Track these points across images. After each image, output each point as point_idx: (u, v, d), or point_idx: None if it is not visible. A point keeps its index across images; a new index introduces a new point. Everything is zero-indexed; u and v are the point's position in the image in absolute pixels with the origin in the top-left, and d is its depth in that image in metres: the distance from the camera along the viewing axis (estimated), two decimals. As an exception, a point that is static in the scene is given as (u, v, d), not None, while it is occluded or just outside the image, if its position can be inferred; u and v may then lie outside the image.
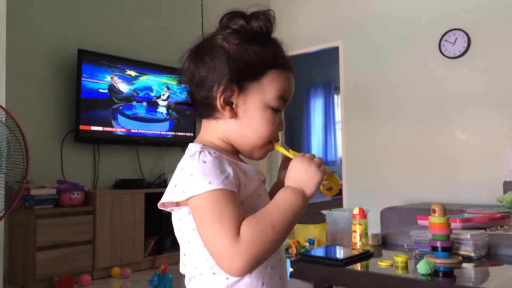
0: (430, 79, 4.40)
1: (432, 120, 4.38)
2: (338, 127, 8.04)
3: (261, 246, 0.72)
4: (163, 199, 0.81)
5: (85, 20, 3.91)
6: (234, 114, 0.85)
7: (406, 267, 1.70)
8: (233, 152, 0.88)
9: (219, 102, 0.83)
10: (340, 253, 1.97)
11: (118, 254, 3.64)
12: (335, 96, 8.25)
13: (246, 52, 0.84)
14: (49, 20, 3.70)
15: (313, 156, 0.84)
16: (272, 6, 5.06)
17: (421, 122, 4.45)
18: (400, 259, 1.72)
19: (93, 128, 3.82)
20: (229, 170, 0.78)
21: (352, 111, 4.98)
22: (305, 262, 1.82)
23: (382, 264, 1.74)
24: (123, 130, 4.02)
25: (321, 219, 5.04)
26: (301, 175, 0.80)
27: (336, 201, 6.41)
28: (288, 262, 1.87)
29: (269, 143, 0.88)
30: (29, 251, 3.22)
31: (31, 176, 3.37)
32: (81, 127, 3.73)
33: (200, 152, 0.79)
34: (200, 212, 0.75)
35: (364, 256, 1.89)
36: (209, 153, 0.79)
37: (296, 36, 5.48)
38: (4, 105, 2.29)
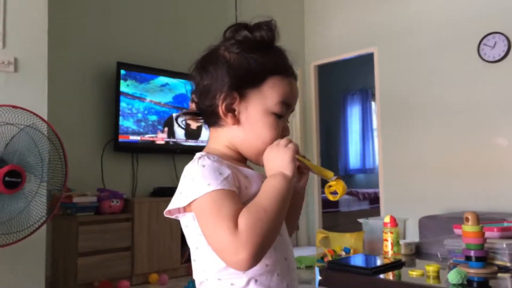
0: (468, 84, 4.28)
1: (470, 126, 4.26)
2: (376, 134, 7.91)
3: (260, 231, 0.73)
4: (169, 207, 0.84)
5: (123, 33, 4.06)
6: (237, 121, 0.88)
7: (437, 277, 1.67)
8: (239, 159, 0.90)
9: (221, 109, 0.87)
10: (370, 262, 1.95)
11: (155, 261, 3.72)
12: (372, 103, 8.14)
13: (246, 61, 0.87)
14: (89, 34, 3.85)
15: (279, 141, 0.86)
16: (306, 14, 5.12)
17: (459, 128, 4.33)
18: (431, 268, 1.69)
19: (132, 137, 3.94)
20: (228, 172, 0.81)
21: (389, 118, 4.91)
22: (333, 271, 1.82)
23: (412, 274, 1.71)
24: (161, 139, 4.13)
25: (357, 228, 4.99)
26: (273, 160, 0.84)
27: (374, 210, 6.31)
28: (317, 270, 1.87)
29: None
30: (71, 256, 3.35)
31: (74, 185, 3.53)
32: (120, 137, 3.86)
33: (200, 157, 0.83)
34: (202, 213, 0.78)
35: (395, 265, 1.87)
36: (208, 158, 0.82)
37: (330, 43, 5.47)
38: (46, 117, 2.41)
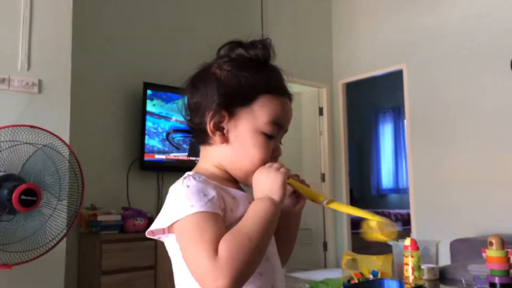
0: (503, 98, 4.12)
1: (507, 142, 4.07)
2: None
3: (241, 258, 0.71)
4: (152, 227, 0.82)
5: (149, 53, 4.13)
6: (225, 139, 0.86)
7: (459, 305, 1.58)
8: (228, 179, 0.88)
9: (209, 127, 0.85)
10: (388, 287, 1.86)
11: (179, 280, 3.70)
12: (405, 121, 7.96)
13: (237, 79, 0.86)
14: (115, 55, 3.95)
15: (272, 164, 0.83)
16: (334, 31, 5.10)
17: (494, 146, 4.15)
18: (452, 295, 1.60)
19: (157, 156, 3.98)
20: (213, 193, 0.79)
21: (419, 136, 4.77)
22: (349, 295, 1.74)
23: (432, 301, 1.62)
24: (186, 158, 4.15)
25: (389, 250, 4.82)
26: (263, 183, 0.81)
27: (407, 231, 6.10)
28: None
29: None
30: (95, 274, 3.38)
31: (100, 203, 3.59)
32: (146, 156, 3.91)
33: (185, 177, 0.81)
34: (183, 236, 0.76)
35: (415, 291, 1.77)
36: (194, 178, 0.80)
37: (358, 60, 5.42)
38: (68, 137, 2.46)
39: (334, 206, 0.85)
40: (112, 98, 3.91)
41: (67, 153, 2.05)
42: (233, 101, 0.85)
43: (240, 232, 0.73)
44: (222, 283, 0.69)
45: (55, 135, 1.96)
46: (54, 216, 1.99)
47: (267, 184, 0.80)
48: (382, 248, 5.08)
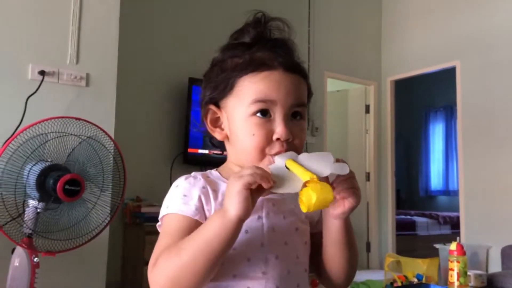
0: None
1: None
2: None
3: (167, 274, 0.69)
4: (158, 224, 0.83)
5: (195, 49, 4.17)
6: (225, 135, 0.83)
7: (506, 316, 1.48)
8: None
9: (208, 126, 0.84)
10: (431, 292, 1.78)
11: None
12: (457, 121, 7.65)
13: (215, 70, 0.83)
14: (160, 50, 4.01)
15: (245, 168, 0.69)
16: (383, 28, 4.97)
17: (554, 149, 3.90)
18: (499, 305, 1.50)
19: (200, 151, 4.02)
20: (195, 195, 0.76)
21: (472, 136, 4.56)
22: (388, 299, 1.68)
23: (477, 309, 1.53)
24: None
25: (433, 254, 4.65)
26: (226, 191, 0.69)
27: (455, 235, 5.86)
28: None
29: (268, 157, 0.76)
30: (138, 265, 3.46)
31: (145, 195, 3.67)
32: (190, 150, 3.96)
33: (181, 177, 0.81)
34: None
35: (459, 298, 1.69)
36: (187, 177, 0.80)
37: (409, 57, 5.24)
38: (113, 130, 2.53)
39: (311, 189, 0.66)
40: (158, 93, 3.98)
41: (111, 146, 2.10)
42: (217, 93, 0.81)
43: (178, 246, 0.70)
44: None
45: (99, 127, 2.01)
46: (97, 206, 2.05)
47: (227, 193, 0.69)
48: (427, 252, 4.93)
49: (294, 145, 0.77)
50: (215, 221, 0.69)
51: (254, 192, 0.67)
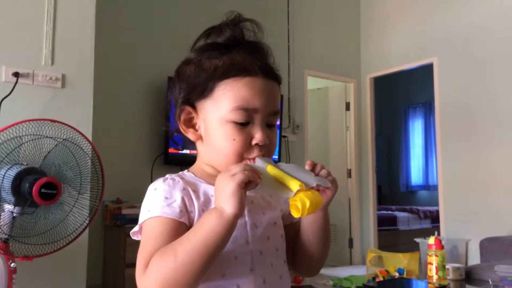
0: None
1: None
2: (440, 149, 7.53)
3: (162, 278, 0.68)
4: (133, 229, 0.82)
5: (173, 48, 4.14)
6: (199, 136, 0.83)
7: (484, 307, 1.51)
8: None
9: (181, 126, 0.83)
10: (411, 287, 1.81)
11: (202, 275, 3.72)
12: (435, 117, 7.77)
13: (194, 71, 0.81)
14: (138, 50, 3.97)
15: (234, 166, 0.71)
16: (362, 24, 5.00)
17: (528, 143, 3.98)
18: (477, 297, 1.53)
19: (181, 151, 4.00)
20: (177, 196, 0.76)
21: (449, 132, 4.63)
22: (368, 295, 1.70)
23: (455, 302, 1.56)
24: (210, 153, 4.16)
25: (414, 248, 4.71)
26: (218, 191, 0.71)
27: (436, 229, 5.94)
28: (350, 293, 1.76)
29: (246, 161, 0.78)
30: (119, 267, 3.42)
31: (125, 196, 3.64)
32: (170, 150, 3.93)
33: (157, 180, 0.80)
34: (140, 241, 0.77)
35: (438, 291, 1.71)
36: (164, 180, 0.79)
37: (387, 54, 5.29)
38: (90, 132, 2.50)
39: (306, 195, 0.71)
40: (137, 93, 3.95)
41: (89, 148, 2.07)
42: (194, 95, 0.81)
43: (171, 248, 0.69)
44: None
45: (75, 129, 1.98)
46: (75, 209, 2.02)
47: (220, 192, 0.70)
48: (409, 246, 4.99)
49: (269, 149, 0.80)
50: (210, 221, 0.69)
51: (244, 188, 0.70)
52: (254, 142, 0.78)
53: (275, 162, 0.77)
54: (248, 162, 0.78)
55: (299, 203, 0.70)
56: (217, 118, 0.79)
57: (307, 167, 0.78)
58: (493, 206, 4.15)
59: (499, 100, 4.22)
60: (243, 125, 0.78)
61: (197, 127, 0.83)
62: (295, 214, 0.71)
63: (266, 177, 0.73)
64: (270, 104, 0.79)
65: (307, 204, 0.69)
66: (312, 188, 0.72)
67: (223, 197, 0.69)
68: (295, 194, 0.71)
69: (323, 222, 0.83)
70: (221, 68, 0.79)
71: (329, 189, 0.78)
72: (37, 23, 2.50)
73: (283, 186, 0.72)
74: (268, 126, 0.81)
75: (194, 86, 0.81)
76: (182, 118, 0.83)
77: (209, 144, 0.82)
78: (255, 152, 0.78)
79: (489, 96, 4.29)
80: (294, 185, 0.71)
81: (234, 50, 0.80)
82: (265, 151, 0.79)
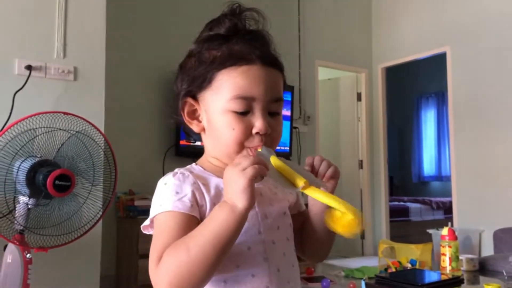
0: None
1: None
2: (452, 139, 7.45)
3: (175, 272, 0.68)
4: (144, 223, 0.82)
5: (184, 38, 4.14)
6: (202, 127, 0.83)
7: (498, 298, 1.50)
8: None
9: (185, 118, 0.84)
10: (423, 277, 1.80)
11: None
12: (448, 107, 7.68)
13: (194, 63, 0.82)
14: (149, 41, 3.97)
15: (242, 159, 0.70)
16: (374, 14, 4.94)
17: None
18: (490, 287, 1.52)
19: (193, 143, 4.01)
20: (187, 191, 0.76)
21: (462, 122, 4.58)
22: (381, 285, 1.69)
23: (469, 293, 1.55)
24: (221, 144, 4.17)
25: (429, 239, 4.69)
26: (228, 185, 0.71)
27: (448, 220, 5.91)
28: (363, 284, 1.76)
29: (247, 150, 0.79)
30: (133, 258, 3.46)
31: (138, 188, 3.66)
32: (182, 142, 3.94)
33: (167, 174, 0.80)
34: (153, 235, 0.77)
35: (451, 282, 1.70)
36: (174, 174, 0.79)
37: (399, 44, 5.24)
38: (103, 124, 2.52)
39: (310, 192, 0.73)
40: (148, 85, 3.96)
41: (101, 140, 2.08)
42: (195, 86, 0.81)
43: (184, 242, 0.70)
44: None
45: (88, 121, 1.99)
46: (89, 201, 2.04)
47: (230, 186, 0.70)
48: (421, 237, 4.97)
49: (271, 138, 0.80)
50: (222, 215, 0.69)
51: None
52: (254, 130, 0.78)
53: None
54: (250, 151, 0.78)
55: (335, 224, 0.70)
56: (217, 108, 0.79)
57: (306, 167, 0.79)
58: (507, 197, 4.11)
59: (509, 88, 4.16)
60: (243, 114, 0.78)
61: (200, 118, 0.84)
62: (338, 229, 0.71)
63: (271, 169, 0.73)
64: (270, 91, 0.79)
65: (355, 227, 0.70)
66: (315, 186, 0.73)
67: (234, 192, 0.69)
68: (299, 189, 0.72)
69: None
70: (219, 58, 0.79)
71: (333, 179, 0.80)
72: (49, 16, 2.51)
73: (285, 179, 0.73)
74: (271, 114, 0.80)
75: (194, 77, 0.81)
76: (185, 110, 0.84)
77: (212, 135, 0.82)
78: (256, 141, 0.78)
79: (503, 85, 4.23)
80: (300, 181, 0.72)
81: (233, 40, 0.80)
82: (268, 139, 0.79)
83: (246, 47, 0.79)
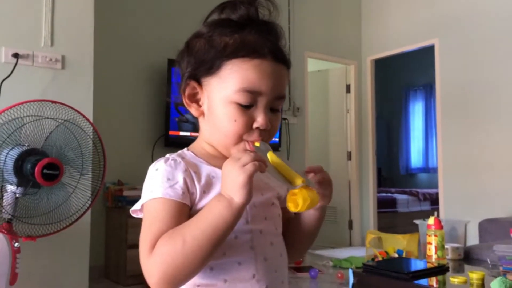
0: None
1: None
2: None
3: (169, 262, 0.69)
4: (134, 207, 0.81)
5: (174, 30, 4.11)
6: (201, 112, 0.82)
7: (482, 285, 1.53)
8: (219, 155, 0.82)
9: (184, 100, 0.82)
10: (409, 266, 1.83)
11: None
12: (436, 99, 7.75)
13: (204, 46, 0.80)
14: (138, 32, 3.95)
15: (242, 154, 0.71)
16: (363, 6, 4.95)
17: (529, 125, 3.98)
18: (475, 276, 1.55)
19: (182, 133, 4.00)
20: (179, 178, 0.76)
21: (450, 114, 4.63)
22: (368, 274, 1.72)
23: (454, 281, 1.58)
24: (210, 135, 4.16)
25: (413, 229, 4.75)
26: (227, 179, 0.71)
27: (435, 211, 5.98)
28: (350, 272, 1.78)
29: (245, 142, 0.79)
30: (122, 248, 3.46)
31: (126, 178, 3.65)
32: (171, 132, 3.93)
33: (158, 160, 0.79)
34: (143, 221, 0.76)
35: (437, 271, 1.73)
36: (166, 160, 0.79)
37: (388, 36, 5.26)
38: (91, 113, 2.50)
39: (304, 192, 0.74)
40: (137, 75, 3.93)
41: (90, 129, 2.07)
42: (200, 70, 0.80)
43: (180, 233, 0.70)
44: (152, 281, 0.70)
45: (76, 110, 1.98)
46: (78, 190, 2.03)
47: (229, 181, 0.70)
48: (408, 228, 5.03)
49: (269, 133, 0.80)
50: (219, 209, 0.70)
51: None
52: (255, 125, 0.77)
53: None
54: (247, 145, 0.78)
55: (301, 199, 0.72)
56: (221, 97, 0.78)
57: (306, 170, 0.80)
58: (493, 188, 4.17)
59: (500, 82, 4.20)
60: (246, 107, 0.77)
61: (200, 102, 0.82)
62: (292, 208, 0.74)
63: (269, 165, 0.74)
64: (276, 88, 0.78)
65: (308, 201, 0.72)
66: (311, 187, 0.75)
67: (233, 187, 0.69)
68: (297, 188, 0.73)
69: (319, 220, 0.87)
70: (231, 47, 0.78)
71: (327, 195, 0.81)
72: (36, 4, 2.48)
73: (281, 175, 0.74)
74: (272, 110, 0.80)
75: (201, 61, 0.80)
76: (186, 92, 0.82)
77: (211, 121, 0.81)
78: (255, 136, 0.78)
79: (491, 78, 4.28)
80: (298, 179, 0.73)
81: (246, 29, 0.79)
82: (266, 135, 0.79)
83: (260, 40, 0.78)
